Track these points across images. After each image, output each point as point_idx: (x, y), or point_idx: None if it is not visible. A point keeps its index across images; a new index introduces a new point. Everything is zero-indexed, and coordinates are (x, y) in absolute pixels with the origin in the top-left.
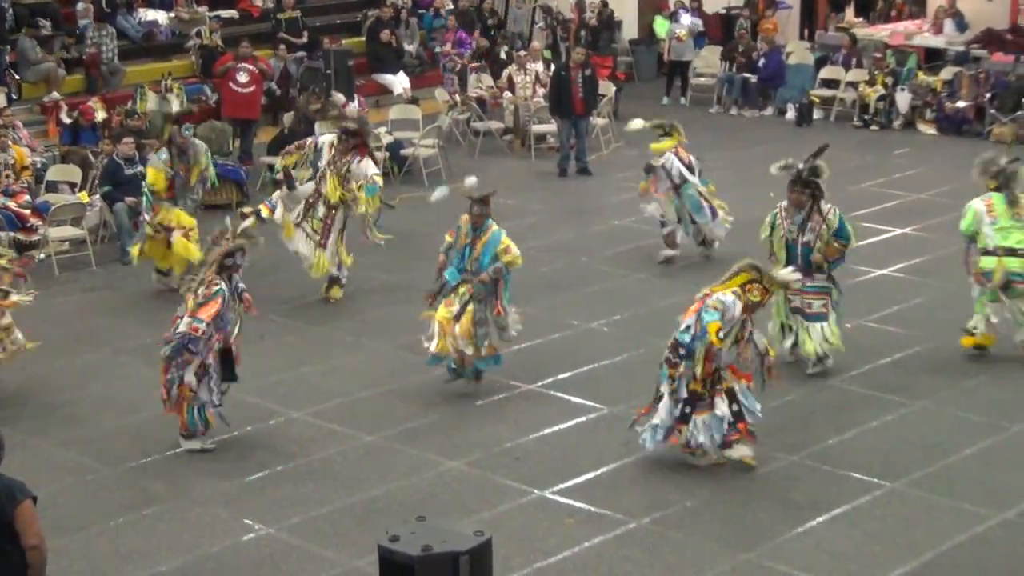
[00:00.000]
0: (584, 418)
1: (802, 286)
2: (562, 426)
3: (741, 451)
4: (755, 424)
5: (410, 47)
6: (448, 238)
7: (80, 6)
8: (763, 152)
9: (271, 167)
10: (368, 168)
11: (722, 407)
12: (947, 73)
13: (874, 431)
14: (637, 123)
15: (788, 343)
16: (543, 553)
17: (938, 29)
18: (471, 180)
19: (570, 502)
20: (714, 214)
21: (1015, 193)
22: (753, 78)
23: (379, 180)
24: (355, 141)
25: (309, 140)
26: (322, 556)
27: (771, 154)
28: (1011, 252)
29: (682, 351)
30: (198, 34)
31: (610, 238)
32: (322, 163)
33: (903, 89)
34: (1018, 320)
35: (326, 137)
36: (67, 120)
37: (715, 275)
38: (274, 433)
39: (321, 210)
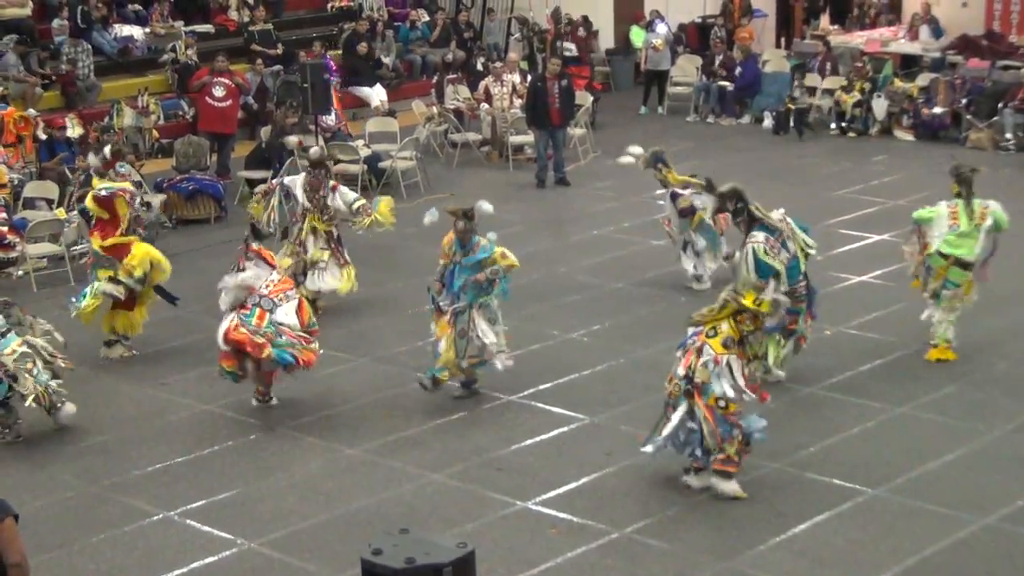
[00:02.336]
0: (565, 428)
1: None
2: (544, 437)
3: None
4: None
5: (387, 60)
6: (442, 261)
7: (56, 22)
8: (741, 160)
9: (249, 181)
10: (347, 197)
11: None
12: (923, 79)
13: (855, 437)
14: (629, 158)
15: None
16: (526, 564)
17: (914, 36)
18: (486, 207)
19: (553, 512)
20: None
21: (971, 198)
22: (730, 86)
23: (363, 200)
24: (323, 172)
25: (273, 182)
26: (305, 570)
27: (749, 162)
28: (959, 262)
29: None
30: (172, 49)
31: (589, 248)
32: (299, 206)
33: (880, 96)
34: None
35: (295, 179)
36: (43, 136)
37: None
38: (254, 447)
39: (321, 240)
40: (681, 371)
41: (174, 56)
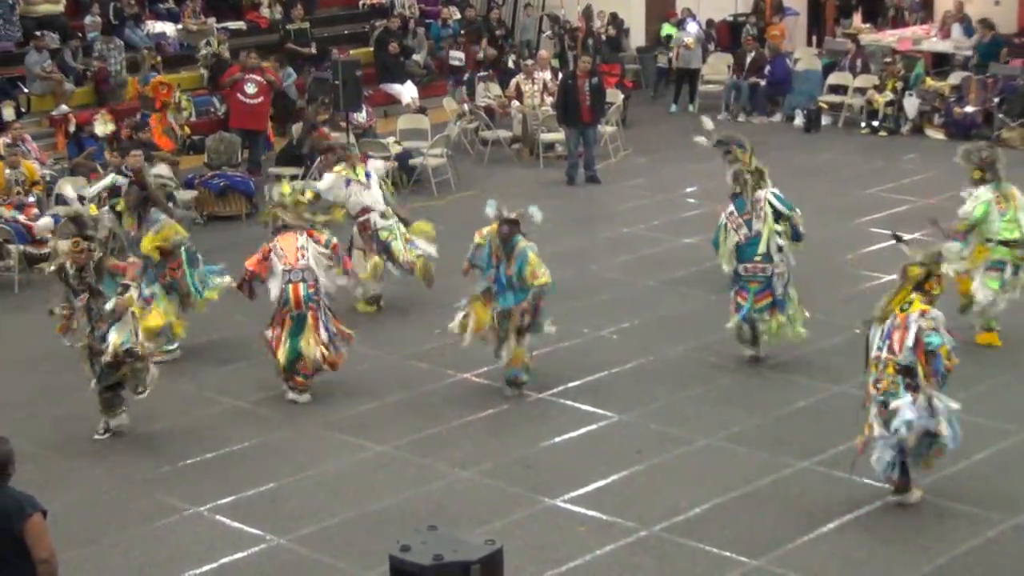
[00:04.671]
0: (594, 426)
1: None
2: (572, 434)
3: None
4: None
5: (418, 57)
6: (477, 238)
7: (89, 19)
8: (772, 159)
9: (279, 178)
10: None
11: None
12: (955, 78)
13: None
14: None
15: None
16: (554, 562)
17: (946, 34)
18: (536, 216)
19: (581, 510)
20: None
21: (1003, 181)
22: (762, 82)
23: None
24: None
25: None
26: (334, 566)
27: (780, 160)
28: (1016, 243)
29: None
30: (207, 44)
31: (619, 246)
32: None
33: (911, 94)
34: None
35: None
36: (73, 131)
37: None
38: (284, 444)
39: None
40: (894, 353)
41: (211, 51)
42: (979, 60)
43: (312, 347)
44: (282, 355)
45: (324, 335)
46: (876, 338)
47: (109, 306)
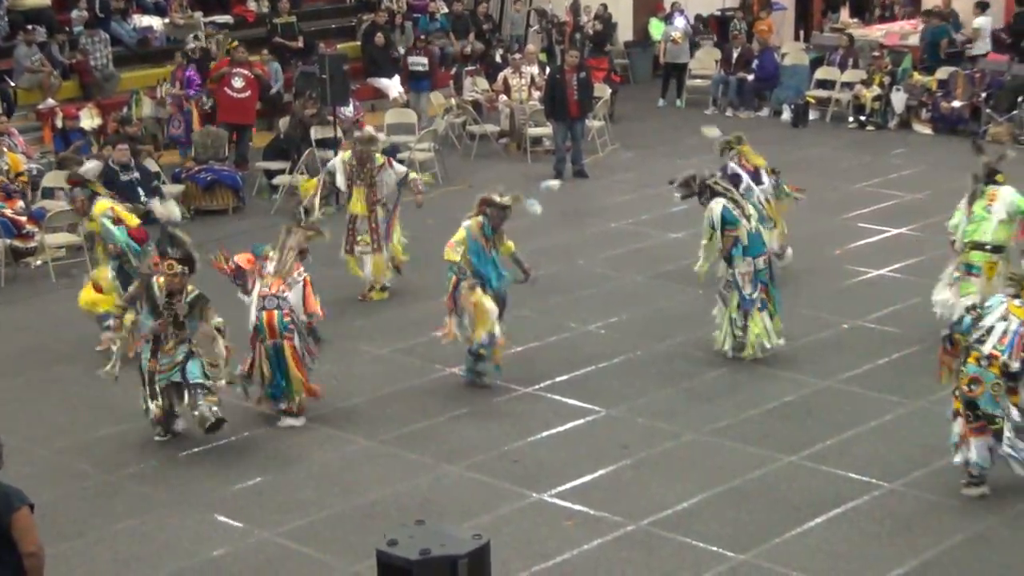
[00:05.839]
0: (582, 420)
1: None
2: (560, 429)
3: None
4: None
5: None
6: (454, 254)
7: (75, 13)
8: (759, 153)
9: (267, 172)
10: (400, 170)
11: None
12: (942, 73)
13: (872, 431)
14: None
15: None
16: (542, 556)
17: None
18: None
19: (568, 505)
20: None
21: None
22: (750, 77)
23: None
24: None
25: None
26: (321, 561)
27: (767, 155)
28: (976, 245)
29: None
30: (195, 37)
31: (607, 240)
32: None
33: (898, 89)
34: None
35: (335, 162)
36: (60, 126)
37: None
38: (272, 438)
39: (364, 224)
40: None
41: (200, 45)
42: (928, 53)
43: (299, 381)
44: (266, 387)
45: (304, 362)
46: (993, 333)
47: (194, 339)
